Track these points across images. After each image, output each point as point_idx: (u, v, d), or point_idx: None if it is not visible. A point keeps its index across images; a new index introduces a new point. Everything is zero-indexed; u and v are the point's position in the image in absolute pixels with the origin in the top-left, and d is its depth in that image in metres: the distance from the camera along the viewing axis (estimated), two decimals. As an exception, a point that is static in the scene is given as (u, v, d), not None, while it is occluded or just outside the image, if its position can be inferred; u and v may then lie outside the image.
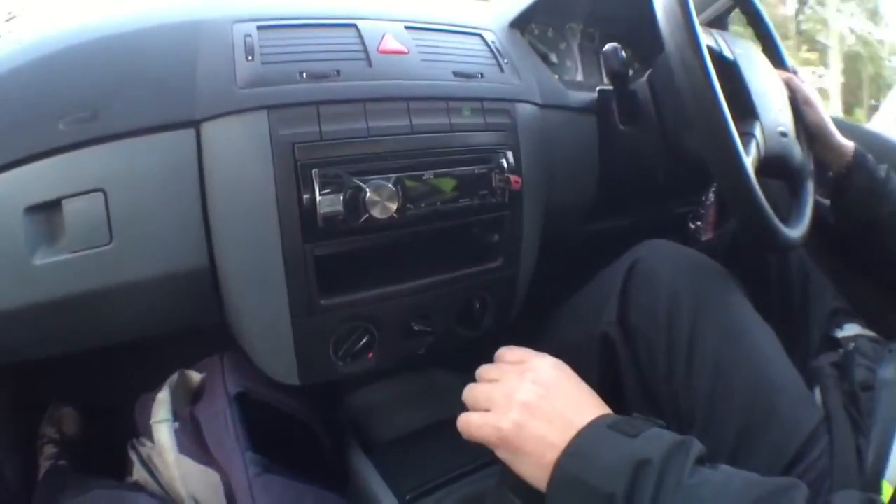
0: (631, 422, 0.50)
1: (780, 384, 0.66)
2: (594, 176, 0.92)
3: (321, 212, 0.65)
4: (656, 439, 0.48)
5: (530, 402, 0.52)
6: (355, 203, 0.66)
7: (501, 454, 0.53)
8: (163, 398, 0.76)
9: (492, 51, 0.83)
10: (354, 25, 0.73)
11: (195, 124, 0.64)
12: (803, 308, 0.83)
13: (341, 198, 0.65)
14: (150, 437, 0.76)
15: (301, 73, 0.68)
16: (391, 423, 0.89)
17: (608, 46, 0.84)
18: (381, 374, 0.95)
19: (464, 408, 0.58)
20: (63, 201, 0.61)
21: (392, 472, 0.80)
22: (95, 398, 0.96)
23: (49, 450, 0.94)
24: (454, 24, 0.83)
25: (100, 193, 0.62)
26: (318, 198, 0.65)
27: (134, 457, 0.77)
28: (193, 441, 0.74)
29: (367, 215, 0.67)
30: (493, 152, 0.76)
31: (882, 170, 0.81)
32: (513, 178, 0.75)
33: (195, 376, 0.79)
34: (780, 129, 0.76)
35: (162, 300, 0.69)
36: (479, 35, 0.84)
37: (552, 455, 0.49)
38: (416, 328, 0.78)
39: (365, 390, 0.92)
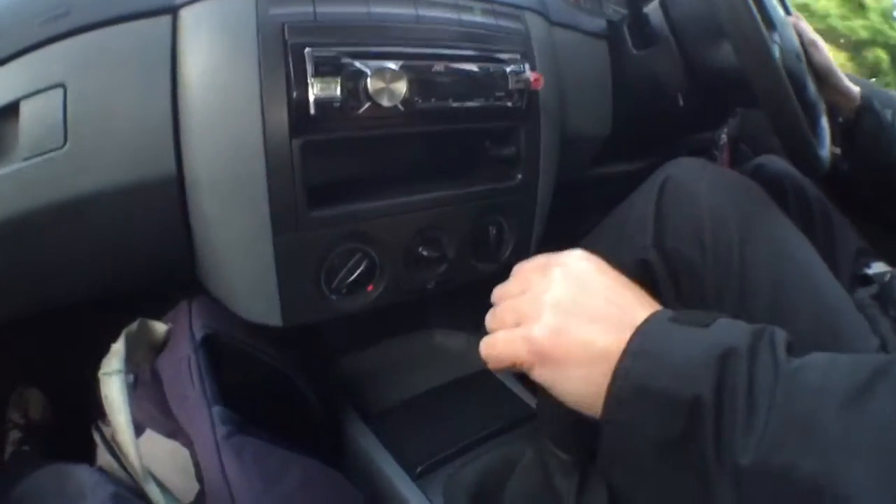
0: (695, 314, 0.38)
1: (838, 306, 0.62)
2: (608, 107, 0.85)
3: (315, 95, 0.54)
4: (732, 327, 0.36)
5: (564, 300, 0.39)
6: (355, 88, 0.55)
7: (539, 375, 0.39)
8: (117, 348, 0.61)
9: None
10: None
11: (173, 10, 0.55)
12: (830, 250, 0.78)
13: (338, 81, 0.55)
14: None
15: None
16: (390, 388, 0.77)
17: None
18: (374, 335, 0.83)
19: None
20: (21, 102, 0.52)
21: (396, 442, 0.68)
22: (62, 379, 0.81)
23: (14, 435, 0.86)
24: None
25: (59, 90, 0.52)
26: (310, 81, 0.54)
27: (98, 439, 0.62)
28: (151, 400, 0.59)
29: (369, 103, 0.56)
30: (507, 54, 0.67)
31: (888, 114, 0.81)
32: (533, 74, 0.66)
33: (159, 327, 0.64)
34: (796, 51, 0.74)
35: (122, 222, 0.57)
36: None
37: (606, 364, 0.35)
38: (424, 253, 0.66)
39: (358, 352, 0.80)
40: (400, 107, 0.57)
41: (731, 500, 0.31)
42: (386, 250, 0.63)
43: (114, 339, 0.62)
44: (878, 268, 0.76)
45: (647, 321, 0.37)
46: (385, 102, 0.56)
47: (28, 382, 0.88)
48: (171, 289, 0.68)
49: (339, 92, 0.55)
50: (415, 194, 0.64)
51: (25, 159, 0.52)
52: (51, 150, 0.52)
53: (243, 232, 0.57)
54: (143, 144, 0.55)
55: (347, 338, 0.81)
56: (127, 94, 0.54)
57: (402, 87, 0.57)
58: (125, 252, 0.60)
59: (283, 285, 0.59)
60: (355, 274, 0.62)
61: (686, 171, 0.67)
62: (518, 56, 0.67)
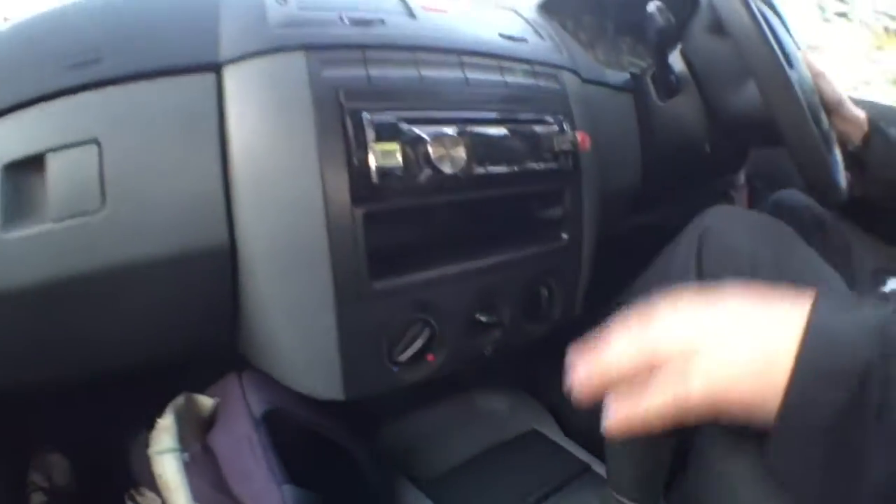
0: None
1: None
2: (637, 159, 0.86)
3: (376, 165, 0.54)
4: (876, 307, 0.38)
5: (706, 324, 0.36)
6: (415, 155, 0.56)
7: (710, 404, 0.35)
8: (166, 424, 0.59)
9: (529, 23, 0.77)
10: None
11: (216, 67, 0.53)
12: (849, 273, 0.79)
13: (398, 147, 0.54)
14: (149, 484, 0.58)
15: (342, 18, 0.59)
16: (437, 453, 0.75)
17: (652, 5, 0.78)
18: (415, 400, 0.81)
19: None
20: (47, 156, 0.48)
21: None
22: (88, 442, 0.77)
23: (38, 498, 0.77)
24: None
25: (93, 146, 0.49)
26: (371, 148, 0.54)
27: (133, 509, 0.59)
28: (209, 479, 0.57)
29: (429, 171, 0.56)
30: (550, 115, 0.68)
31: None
32: (580, 135, 0.67)
33: (206, 401, 0.62)
34: (810, 85, 0.76)
35: (163, 294, 0.54)
36: (514, 11, 0.78)
37: (779, 360, 0.34)
38: (482, 319, 0.65)
39: (402, 418, 0.78)
40: (459, 173, 0.58)
41: (888, 464, 0.33)
42: (446, 318, 0.62)
43: (139, 405, 0.60)
44: (893, 284, 0.79)
45: (814, 307, 0.36)
46: (447, 169, 0.56)
47: (50, 446, 0.84)
48: (207, 359, 0.66)
49: (400, 159, 0.54)
50: (471, 260, 0.63)
51: (55, 221, 0.49)
52: (85, 214, 0.49)
53: (303, 304, 0.55)
54: (191, 211, 0.52)
55: (390, 403, 0.79)
56: (171, 155, 0.51)
57: (461, 152, 0.57)
58: (161, 325, 0.57)
59: (345, 358, 0.57)
60: (417, 343, 0.61)
61: (724, 222, 0.68)
62: (560, 117, 0.68)
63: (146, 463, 0.59)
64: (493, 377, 0.86)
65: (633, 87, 0.86)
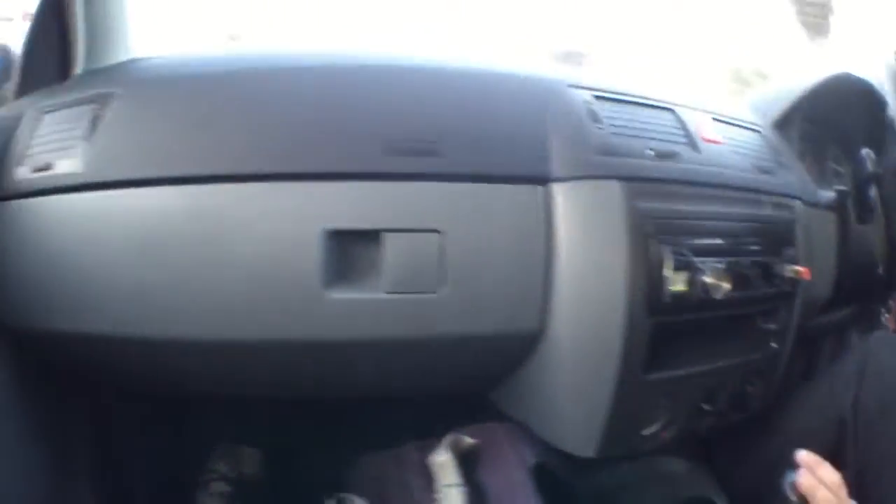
0: None
1: None
2: (832, 273, 0.95)
3: (671, 288, 0.65)
4: None
5: None
6: (696, 282, 0.67)
7: None
8: (446, 461, 0.72)
9: (772, 148, 0.86)
10: (672, 110, 0.76)
11: (545, 182, 0.64)
12: None
13: (686, 275, 0.66)
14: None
15: (647, 149, 0.70)
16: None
17: (864, 151, 0.89)
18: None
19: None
20: (384, 234, 0.58)
21: None
22: (277, 441, 0.91)
23: (219, 487, 0.89)
24: (736, 119, 0.86)
25: (435, 235, 0.59)
26: (668, 274, 0.65)
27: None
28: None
29: (703, 295, 0.67)
30: (783, 245, 0.78)
31: None
32: (803, 269, 0.77)
33: (468, 441, 0.76)
34: None
35: (458, 360, 0.66)
36: (760, 132, 0.87)
37: None
38: (706, 408, 0.77)
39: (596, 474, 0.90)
40: (722, 297, 0.68)
41: None
42: (681, 406, 0.74)
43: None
44: None
45: None
46: (717, 296, 0.67)
47: (242, 442, 0.93)
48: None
49: (687, 286, 0.66)
50: (706, 364, 0.74)
51: (388, 292, 0.58)
52: (421, 291, 0.58)
53: (589, 382, 0.68)
54: (514, 300, 0.63)
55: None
56: (503, 250, 0.61)
57: (728, 283, 0.68)
58: (435, 381, 0.69)
59: (608, 426, 0.69)
60: (658, 423, 0.73)
61: (887, 350, 0.79)
62: (791, 247, 0.79)
63: (399, 477, 0.73)
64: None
65: (837, 206, 0.95)
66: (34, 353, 0.71)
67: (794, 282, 0.79)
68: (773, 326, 0.81)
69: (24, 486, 0.68)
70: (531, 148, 0.65)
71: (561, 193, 0.65)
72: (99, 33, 0.80)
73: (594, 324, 0.66)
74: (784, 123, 0.93)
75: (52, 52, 0.80)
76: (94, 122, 0.64)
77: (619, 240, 0.64)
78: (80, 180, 0.63)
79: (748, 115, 0.91)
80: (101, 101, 0.66)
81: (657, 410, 0.73)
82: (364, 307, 0.58)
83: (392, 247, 0.58)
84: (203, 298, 0.59)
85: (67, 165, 0.64)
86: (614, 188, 0.65)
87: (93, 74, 0.76)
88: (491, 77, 0.69)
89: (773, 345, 0.82)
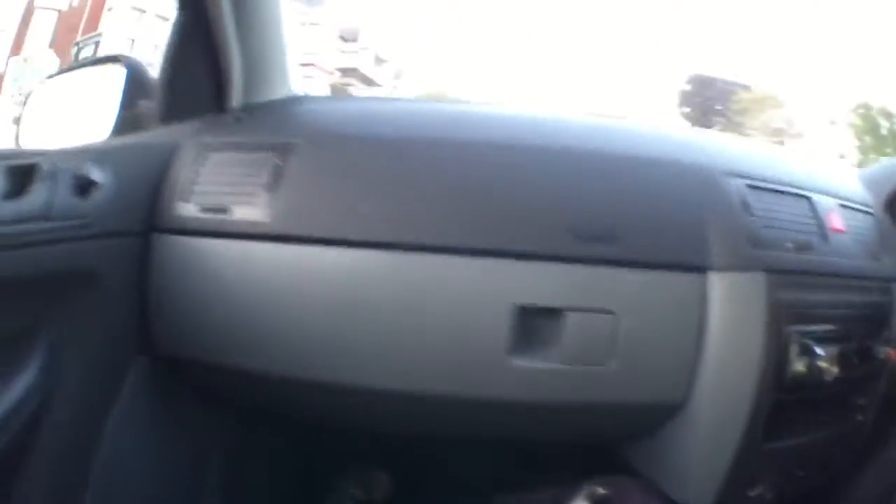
0: None
1: None
2: None
3: (793, 370, 0.72)
4: None
5: None
6: (812, 366, 0.74)
7: None
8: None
9: (882, 232, 0.91)
10: (808, 198, 0.81)
11: (703, 271, 0.70)
12: None
13: (805, 360, 0.73)
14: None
15: (788, 242, 0.75)
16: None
17: None
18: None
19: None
20: (567, 312, 0.64)
21: None
22: (409, 469, 0.97)
23: None
24: (857, 203, 0.90)
25: (609, 315, 0.65)
26: (793, 358, 0.72)
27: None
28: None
29: (817, 377, 0.74)
30: (882, 328, 0.85)
31: None
32: (893, 352, 0.84)
33: (602, 492, 0.81)
34: None
35: (610, 422, 0.73)
36: (872, 215, 0.92)
37: None
38: (798, 474, 0.85)
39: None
40: (829, 380, 0.75)
41: None
42: (781, 474, 0.82)
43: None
44: None
45: None
46: (828, 379, 0.75)
47: (373, 464, 0.99)
48: None
49: (805, 368, 0.73)
50: (807, 435, 0.82)
51: (565, 363, 0.65)
52: (592, 364, 0.66)
53: (714, 447, 0.74)
54: (667, 375, 0.70)
55: None
56: (664, 332, 0.68)
57: (836, 367, 0.75)
58: (590, 433, 0.77)
59: (725, 486, 0.76)
60: (763, 485, 0.80)
61: None
62: (886, 331, 0.85)
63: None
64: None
65: None
66: (184, 379, 0.75)
67: (886, 360, 0.85)
68: (861, 401, 0.88)
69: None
70: (691, 237, 0.70)
71: (716, 282, 0.70)
72: (258, 65, 0.82)
73: (728, 398, 0.73)
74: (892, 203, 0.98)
75: (202, 78, 0.82)
76: (277, 173, 0.68)
77: (759, 326, 0.71)
78: (265, 230, 0.67)
79: (862, 193, 0.96)
80: (282, 150, 0.69)
81: (765, 474, 0.81)
82: (541, 375, 0.65)
83: (572, 323, 0.63)
84: (389, 353, 0.66)
85: (249, 213, 0.68)
86: (760, 279, 0.72)
87: (257, 112, 0.79)
88: (658, 164, 0.74)
89: (860, 417, 0.89)
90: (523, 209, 0.66)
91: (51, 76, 1.08)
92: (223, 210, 0.69)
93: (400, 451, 0.97)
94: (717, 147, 0.86)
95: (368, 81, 16.34)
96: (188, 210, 0.70)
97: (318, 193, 0.68)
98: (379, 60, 17.50)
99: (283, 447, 0.94)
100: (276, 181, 0.67)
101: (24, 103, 1.02)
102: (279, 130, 0.74)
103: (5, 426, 0.58)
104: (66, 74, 1.04)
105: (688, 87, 20.38)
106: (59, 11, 12.06)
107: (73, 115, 0.99)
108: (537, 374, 0.66)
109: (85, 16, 11.99)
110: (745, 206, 0.74)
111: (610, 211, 0.68)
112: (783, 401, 0.75)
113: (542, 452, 0.87)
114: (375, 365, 0.65)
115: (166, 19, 0.89)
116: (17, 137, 0.96)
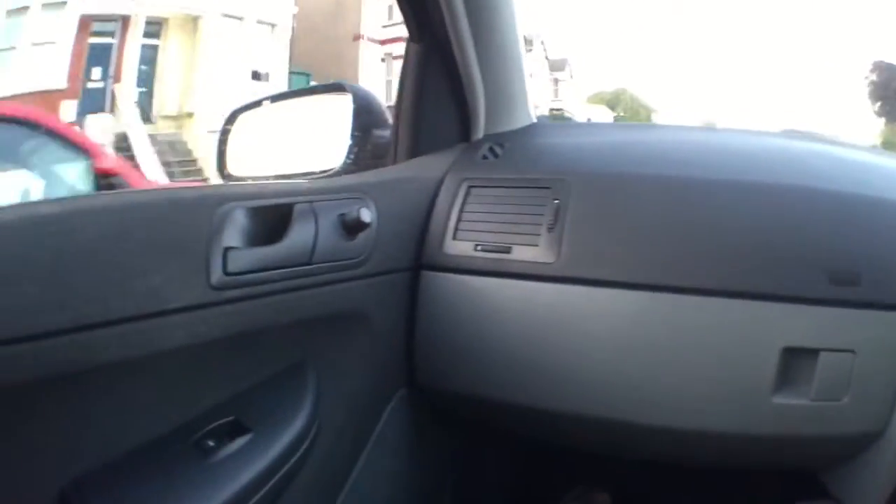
0: None
1: None
2: None
3: None
4: None
5: None
6: None
7: None
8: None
9: None
10: None
11: None
12: None
13: None
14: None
15: None
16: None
17: None
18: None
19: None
20: (821, 352, 0.64)
21: None
22: (630, 490, 0.97)
23: None
24: None
25: (850, 354, 0.64)
26: None
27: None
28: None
29: None
30: None
31: None
32: None
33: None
34: None
35: (823, 451, 0.70)
36: None
37: None
38: None
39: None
40: None
41: None
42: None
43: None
44: None
45: None
46: None
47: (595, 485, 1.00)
48: None
49: None
50: None
51: (813, 400, 0.65)
52: (833, 400, 0.64)
53: None
54: (879, 407, 0.66)
55: None
56: (876, 366, 0.65)
57: None
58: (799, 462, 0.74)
59: None
60: None
61: None
62: None
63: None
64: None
65: None
66: (434, 408, 0.77)
67: None
68: None
69: None
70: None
71: None
72: (501, 92, 0.82)
73: None
74: None
75: (448, 108, 0.83)
76: (557, 213, 0.67)
77: None
78: (550, 272, 0.67)
79: None
80: (557, 188, 0.68)
81: None
82: (795, 411, 0.66)
83: (823, 362, 0.64)
84: (660, 390, 0.67)
85: (533, 254, 0.68)
86: None
87: (507, 143, 0.78)
88: (886, 204, 0.70)
89: None
90: (791, 253, 0.66)
91: (266, 99, 1.12)
92: (506, 250, 0.70)
93: (623, 475, 0.97)
94: None
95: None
96: (461, 248, 0.71)
97: (596, 234, 0.68)
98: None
99: (510, 467, 0.96)
100: (556, 221, 0.68)
101: (224, 129, 1.02)
102: (544, 166, 0.74)
103: (288, 455, 0.60)
104: (287, 101, 1.08)
105: (874, 77, 18.41)
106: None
107: (291, 142, 1.02)
108: (793, 410, 0.66)
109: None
110: None
111: (858, 253, 0.67)
112: None
113: (747, 478, 0.84)
114: (646, 401, 0.67)
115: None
116: (221, 157, 0.98)
